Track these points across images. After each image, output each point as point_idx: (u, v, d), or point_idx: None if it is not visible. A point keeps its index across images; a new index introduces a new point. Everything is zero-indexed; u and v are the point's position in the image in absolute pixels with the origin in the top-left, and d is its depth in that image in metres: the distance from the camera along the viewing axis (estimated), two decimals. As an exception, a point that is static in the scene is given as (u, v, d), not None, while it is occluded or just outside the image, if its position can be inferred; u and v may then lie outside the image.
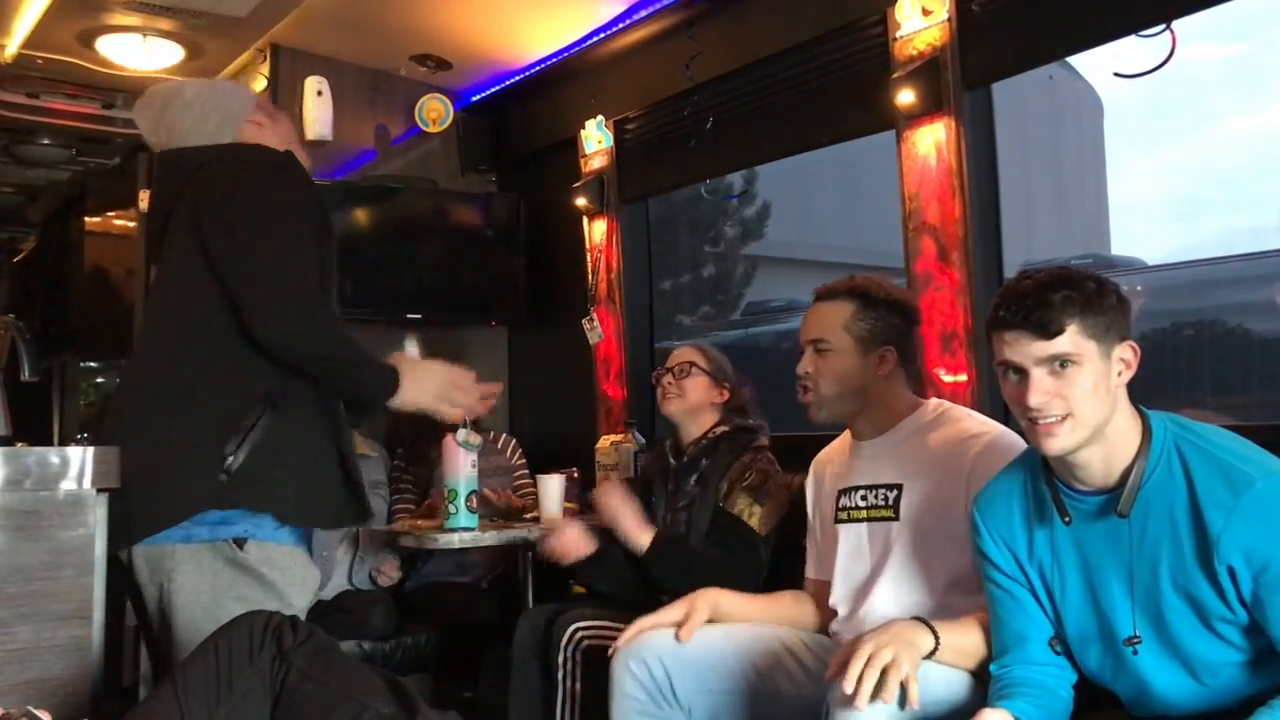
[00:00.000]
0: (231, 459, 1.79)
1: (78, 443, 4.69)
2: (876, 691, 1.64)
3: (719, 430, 2.77)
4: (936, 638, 1.78)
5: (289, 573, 1.87)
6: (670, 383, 2.82)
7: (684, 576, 2.45)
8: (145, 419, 1.84)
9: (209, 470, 1.79)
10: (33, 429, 5.96)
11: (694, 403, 2.79)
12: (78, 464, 1.71)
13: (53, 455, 1.71)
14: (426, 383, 1.96)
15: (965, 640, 1.84)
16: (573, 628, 2.55)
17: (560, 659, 2.53)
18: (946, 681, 1.82)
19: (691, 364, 2.81)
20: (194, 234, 1.86)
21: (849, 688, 1.65)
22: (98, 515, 1.72)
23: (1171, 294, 5.67)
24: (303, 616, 1.87)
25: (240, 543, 1.82)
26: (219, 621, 1.61)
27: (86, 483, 1.71)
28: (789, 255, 12.29)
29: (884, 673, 1.65)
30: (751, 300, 11.86)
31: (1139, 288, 5.56)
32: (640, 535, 2.60)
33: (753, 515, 2.57)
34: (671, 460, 2.83)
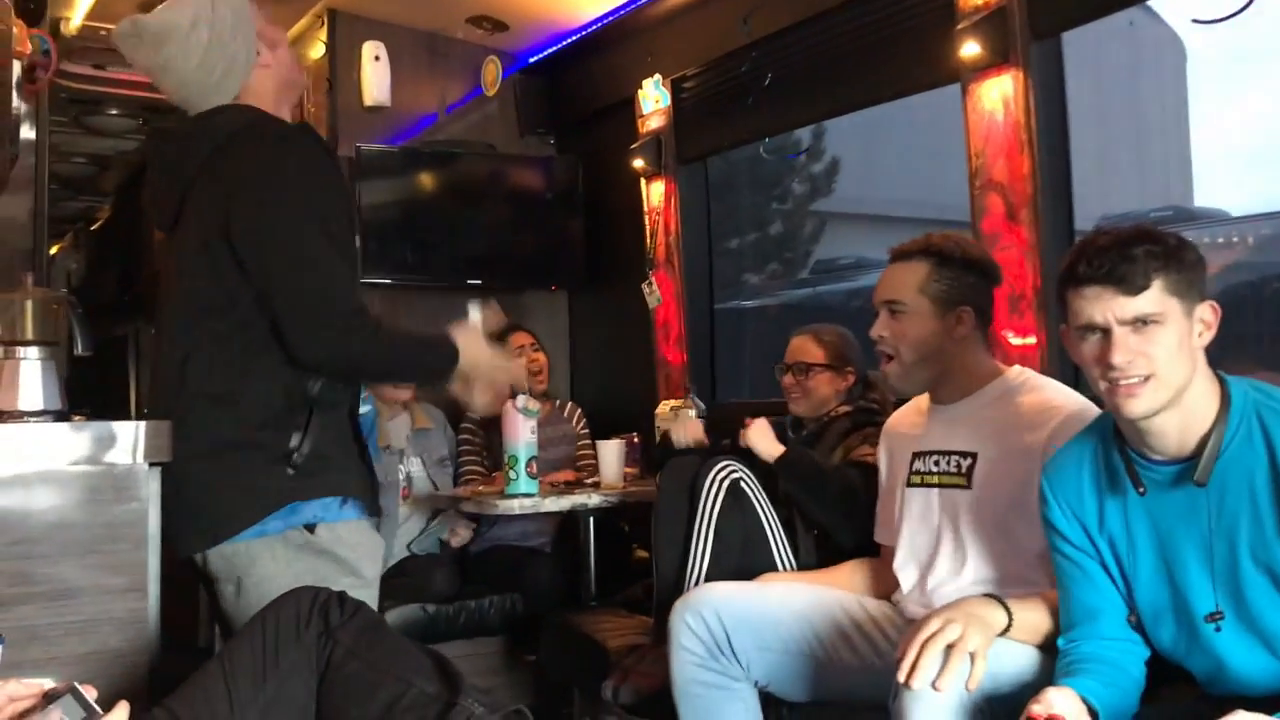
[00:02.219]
0: (296, 454, 1.80)
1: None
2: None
3: (840, 410, 2.73)
4: (1010, 614, 1.73)
5: (359, 548, 1.88)
6: (792, 383, 2.77)
7: (815, 489, 2.44)
8: (199, 422, 1.82)
9: (275, 467, 1.81)
10: (111, 397, 6.11)
11: (819, 399, 2.74)
12: (130, 438, 1.72)
13: (105, 429, 1.73)
14: (479, 375, 1.97)
15: (1037, 617, 1.79)
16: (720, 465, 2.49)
17: (707, 488, 2.46)
18: (1015, 659, 1.77)
19: (809, 365, 2.75)
20: (219, 227, 1.81)
21: (903, 673, 1.61)
22: (150, 489, 1.74)
23: (1258, 247, 5.46)
24: (376, 586, 1.91)
25: (310, 528, 1.83)
26: None
27: (139, 456, 1.72)
28: (859, 211, 12.08)
29: (949, 651, 1.61)
30: (820, 258, 11.70)
31: (1220, 240, 5.36)
32: (766, 445, 2.56)
33: (871, 457, 2.47)
34: (790, 434, 2.79)
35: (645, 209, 3.86)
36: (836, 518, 2.44)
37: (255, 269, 1.79)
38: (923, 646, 1.61)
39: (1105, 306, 1.54)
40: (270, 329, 1.79)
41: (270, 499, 1.80)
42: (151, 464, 1.74)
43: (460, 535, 3.57)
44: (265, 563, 1.81)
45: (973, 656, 1.61)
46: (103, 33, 3.91)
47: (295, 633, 1.45)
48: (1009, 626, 1.72)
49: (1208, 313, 1.58)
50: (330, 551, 1.84)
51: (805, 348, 2.78)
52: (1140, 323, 1.53)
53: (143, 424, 1.73)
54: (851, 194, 12.23)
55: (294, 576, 1.78)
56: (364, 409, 2.07)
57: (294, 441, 1.80)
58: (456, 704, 1.36)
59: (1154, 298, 1.53)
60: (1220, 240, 5.39)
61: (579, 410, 3.91)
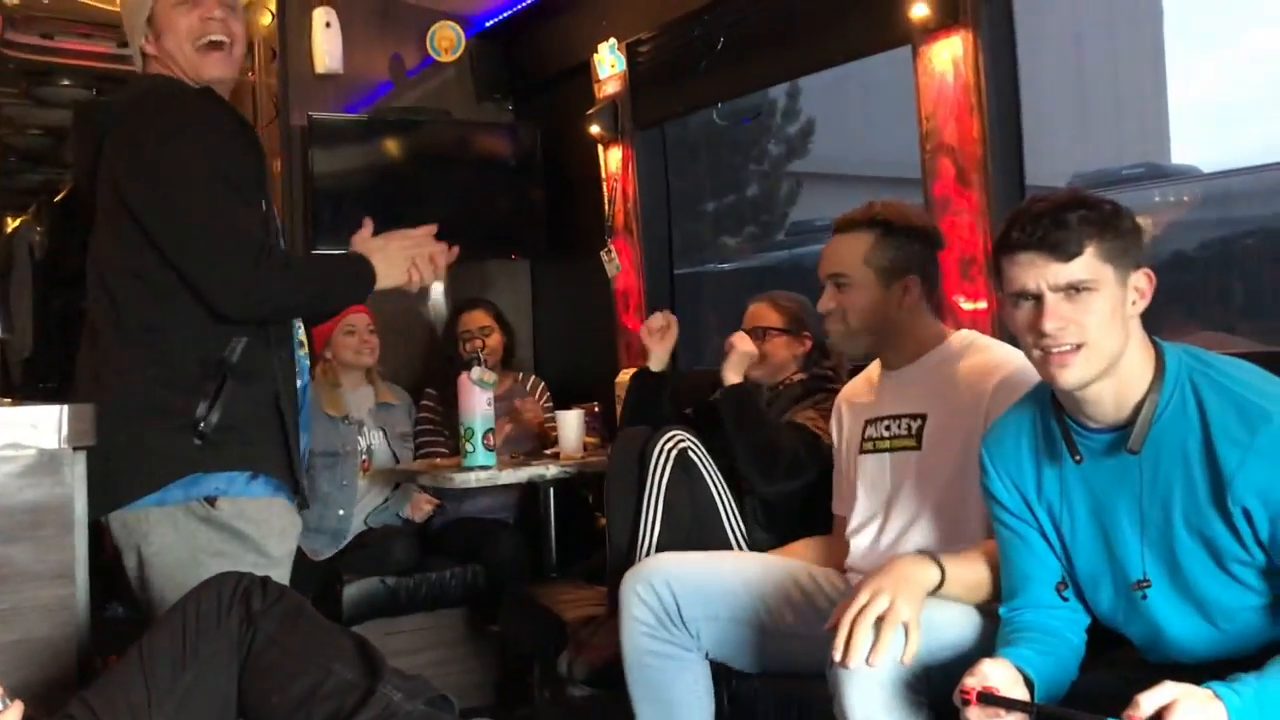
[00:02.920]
0: (203, 424, 1.78)
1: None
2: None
3: (795, 378, 2.72)
4: (942, 570, 1.72)
5: (265, 525, 1.85)
6: None
7: (745, 429, 2.47)
8: (110, 384, 1.82)
9: (183, 435, 1.78)
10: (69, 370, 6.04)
11: (777, 364, 2.74)
12: (54, 421, 1.68)
13: (28, 413, 1.68)
14: (395, 260, 1.95)
15: (971, 572, 1.78)
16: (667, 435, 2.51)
17: (655, 458, 2.48)
18: (954, 627, 1.76)
19: (766, 329, 2.74)
20: (119, 198, 1.81)
21: (837, 651, 1.60)
22: (75, 473, 1.70)
23: (1233, 201, 5.46)
24: (286, 564, 1.88)
25: (212, 500, 1.80)
26: (199, 579, 1.60)
27: (63, 440, 1.68)
28: (837, 171, 12.01)
29: (881, 623, 1.60)
30: (796, 219, 11.64)
31: (1185, 198, 5.34)
32: (733, 373, 2.58)
33: (814, 423, 2.51)
34: None
35: (604, 176, 3.81)
36: (751, 465, 2.47)
37: (155, 235, 1.78)
38: (853, 622, 1.60)
39: (1038, 273, 1.52)
40: (187, 291, 1.79)
41: (171, 467, 1.78)
42: (76, 447, 1.70)
43: (422, 509, 3.54)
44: (165, 532, 1.79)
45: (906, 627, 1.60)
46: (45, 1, 3.84)
47: (216, 619, 1.43)
48: (941, 583, 1.71)
49: (1142, 281, 1.57)
50: (232, 526, 1.81)
51: (763, 313, 2.77)
52: (1073, 290, 1.52)
53: (66, 407, 1.70)
54: (830, 153, 12.15)
55: (193, 549, 1.77)
56: (300, 380, 2.02)
57: (201, 410, 1.77)
58: (376, 691, 1.34)
59: (1087, 264, 1.51)
60: (1185, 199, 5.38)
61: (542, 383, 3.88)
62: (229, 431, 1.80)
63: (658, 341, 2.88)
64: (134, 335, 1.82)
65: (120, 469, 1.78)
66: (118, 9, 3.79)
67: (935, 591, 1.71)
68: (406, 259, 1.96)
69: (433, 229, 2.03)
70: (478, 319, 3.72)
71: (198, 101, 1.87)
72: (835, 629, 1.63)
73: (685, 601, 2.11)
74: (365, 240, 1.96)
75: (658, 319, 2.91)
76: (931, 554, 1.75)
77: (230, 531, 1.81)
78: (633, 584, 2.14)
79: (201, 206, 1.76)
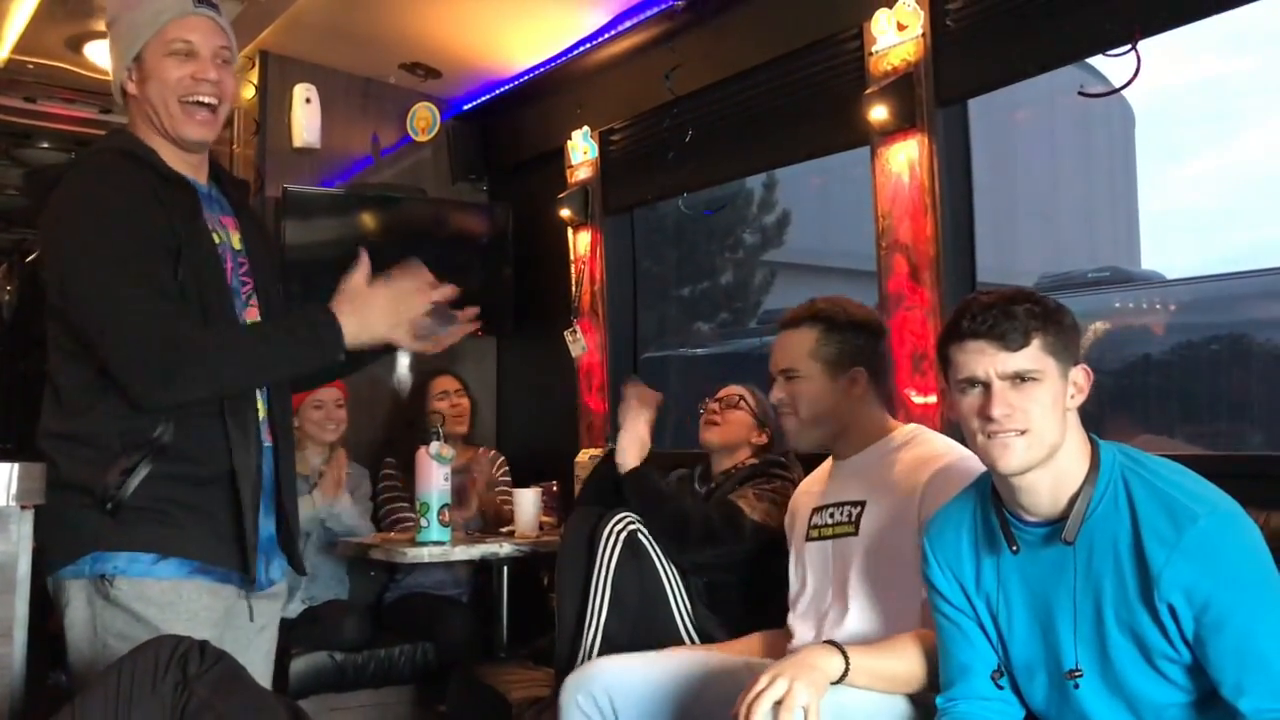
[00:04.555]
0: (110, 501, 1.71)
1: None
2: None
3: (748, 462, 2.76)
4: (846, 660, 1.74)
5: (170, 608, 1.74)
6: (714, 410, 2.81)
7: (649, 509, 2.48)
8: (46, 454, 1.78)
9: (89, 511, 1.72)
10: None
11: (732, 437, 2.79)
12: (3, 480, 1.68)
13: (-27, 470, 1.68)
14: (372, 313, 1.81)
15: (885, 663, 1.80)
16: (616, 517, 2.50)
17: (604, 539, 2.46)
18: (871, 713, 1.78)
19: (740, 398, 2.80)
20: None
21: None
22: (21, 532, 1.69)
23: (1197, 308, 5.58)
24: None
25: (110, 580, 1.73)
26: (102, 657, 1.61)
27: (10, 499, 1.68)
28: (811, 262, 12.19)
29: (779, 708, 1.61)
30: (768, 308, 11.77)
31: (1159, 305, 5.47)
32: (628, 457, 2.58)
33: (746, 501, 2.53)
34: (696, 486, 2.83)
35: (572, 258, 3.88)
36: (664, 540, 2.48)
37: (72, 319, 1.74)
38: (749, 707, 1.62)
39: (988, 361, 1.59)
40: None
41: (81, 542, 1.72)
42: (24, 506, 1.70)
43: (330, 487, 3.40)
44: (79, 605, 1.74)
45: (806, 711, 1.62)
46: (30, 66, 3.90)
47: (151, 683, 1.41)
48: (845, 673, 1.73)
49: (1081, 376, 1.63)
50: (130, 608, 1.73)
51: (740, 389, 2.84)
52: (1018, 379, 1.58)
53: (17, 465, 1.69)
54: (805, 245, 12.34)
55: (98, 626, 1.72)
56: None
57: (111, 487, 1.70)
58: (306, 759, 1.34)
59: (1032, 355, 1.58)
60: (1145, 305, 5.51)
61: (501, 458, 3.90)
62: (140, 511, 1.72)
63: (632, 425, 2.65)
64: (68, 410, 1.78)
65: (48, 536, 1.75)
66: (101, 76, 3.90)
67: (840, 681, 1.72)
68: (395, 308, 1.82)
69: (422, 271, 1.89)
70: (448, 382, 3.77)
71: (115, 173, 1.77)
72: (737, 717, 1.64)
73: (624, 710, 2.09)
74: (349, 289, 1.82)
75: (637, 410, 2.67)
76: (837, 644, 1.77)
77: (130, 613, 1.72)
78: (573, 693, 2.13)
79: (104, 300, 1.68)
